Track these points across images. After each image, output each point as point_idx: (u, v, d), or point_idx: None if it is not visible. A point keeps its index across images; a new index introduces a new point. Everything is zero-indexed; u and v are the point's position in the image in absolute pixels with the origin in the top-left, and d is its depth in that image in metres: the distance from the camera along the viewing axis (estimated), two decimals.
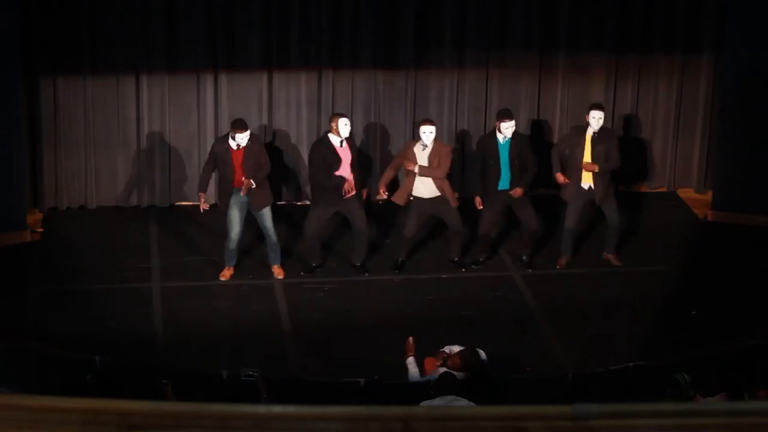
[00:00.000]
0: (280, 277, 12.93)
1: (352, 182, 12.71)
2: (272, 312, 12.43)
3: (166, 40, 14.00)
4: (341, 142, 12.71)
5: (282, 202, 14.52)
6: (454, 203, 12.94)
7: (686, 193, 15.17)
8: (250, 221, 12.89)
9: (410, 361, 10.30)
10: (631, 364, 10.40)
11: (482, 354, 10.09)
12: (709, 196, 14.80)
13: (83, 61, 13.93)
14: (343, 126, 12.67)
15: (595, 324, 12.30)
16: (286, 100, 14.42)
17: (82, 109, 14.07)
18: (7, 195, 13.41)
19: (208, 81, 14.19)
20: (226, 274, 12.91)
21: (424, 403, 9.02)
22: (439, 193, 12.87)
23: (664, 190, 15.21)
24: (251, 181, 12.49)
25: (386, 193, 13.05)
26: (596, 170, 12.91)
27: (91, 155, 14.21)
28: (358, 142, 14.20)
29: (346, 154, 12.74)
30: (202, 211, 12.79)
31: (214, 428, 3.45)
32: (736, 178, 14.25)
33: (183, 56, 14.11)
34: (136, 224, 14.08)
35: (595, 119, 12.89)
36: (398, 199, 13.07)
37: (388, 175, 13.10)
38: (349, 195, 12.67)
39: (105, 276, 12.96)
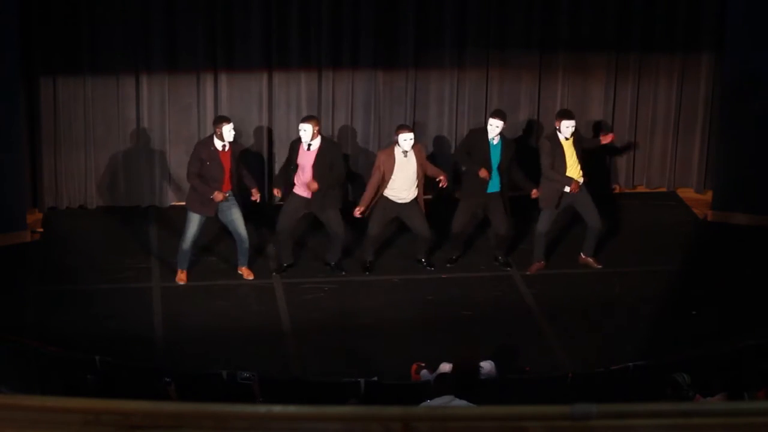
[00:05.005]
0: (250, 277, 12.90)
1: (310, 183, 12.62)
2: (272, 312, 12.43)
3: (166, 40, 13.99)
4: (308, 146, 12.64)
5: (282, 202, 14.51)
6: (421, 201, 12.87)
7: (686, 193, 15.17)
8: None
9: (424, 372, 10.32)
10: (631, 364, 10.40)
11: (486, 366, 10.07)
12: (709, 196, 14.80)
13: (83, 61, 13.92)
14: (302, 132, 12.61)
15: (595, 324, 12.30)
16: (286, 100, 14.41)
17: (81, 109, 14.07)
18: (7, 195, 13.41)
19: (208, 81, 14.19)
20: (182, 277, 12.81)
21: (424, 404, 9.03)
22: (411, 199, 12.84)
23: (664, 190, 15.21)
24: (257, 197, 12.60)
25: (363, 215, 12.86)
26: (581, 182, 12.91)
27: (91, 155, 14.21)
28: (357, 143, 14.23)
29: (308, 159, 12.64)
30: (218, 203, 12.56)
31: (213, 428, 3.45)
32: (736, 178, 14.24)
33: (183, 56, 14.10)
34: (136, 224, 14.08)
35: (568, 129, 12.84)
36: (364, 206, 12.91)
37: (370, 195, 12.83)
38: (303, 192, 12.65)
39: (105, 276, 12.96)
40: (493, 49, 14.57)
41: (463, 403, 8.94)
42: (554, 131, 12.96)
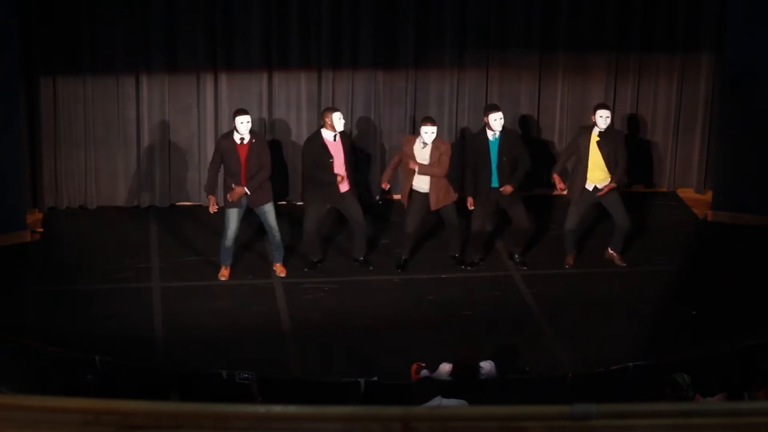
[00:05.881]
0: (282, 275, 12.93)
1: (344, 174, 12.70)
2: (272, 312, 12.43)
3: (166, 40, 14.00)
4: (335, 136, 12.71)
5: (282, 202, 14.52)
6: (450, 198, 12.91)
7: (686, 193, 15.17)
8: (251, 219, 12.94)
9: (424, 372, 10.34)
10: (631, 364, 10.40)
11: (486, 366, 10.08)
12: (709, 196, 14.80)
13: (83, 61, 13.93)
14: (338, 120, 12.68)
15: (595, 324, 12.30)
16: (286, 100, 14.42)
17: (81, 109, 14.08)
18: (7, 195, 13.41)
19: (208, 81, 14.19)
20: (224, 273, 12.90)
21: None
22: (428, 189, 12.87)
23: (664, 190, 15.21)
24: (244, 188, 12.50)
25: (388, 186, 13.11)
26: (614, 186, 12.91)
27: (91, 155, 14.21)
28: (358, 143, 14.24)
29: (338, 150, 12.73)
30: (211, 212, 12.73)
31: (214, 428, 3.45)
32: (736, 178, 14.24)
33: (183, 56, 14.11)
34: (136, 224, 14.08)
35: (602, 118, 12.86)
36: (404, 198, 13.09)
37: (389, 172, 13.12)
38: (342, 185, 12.65)
39: (105, 276, 12.96)
40: (493, 49, 14.57)
41: (452, 402, 8.97)
42: (592, 124, 12.99)
